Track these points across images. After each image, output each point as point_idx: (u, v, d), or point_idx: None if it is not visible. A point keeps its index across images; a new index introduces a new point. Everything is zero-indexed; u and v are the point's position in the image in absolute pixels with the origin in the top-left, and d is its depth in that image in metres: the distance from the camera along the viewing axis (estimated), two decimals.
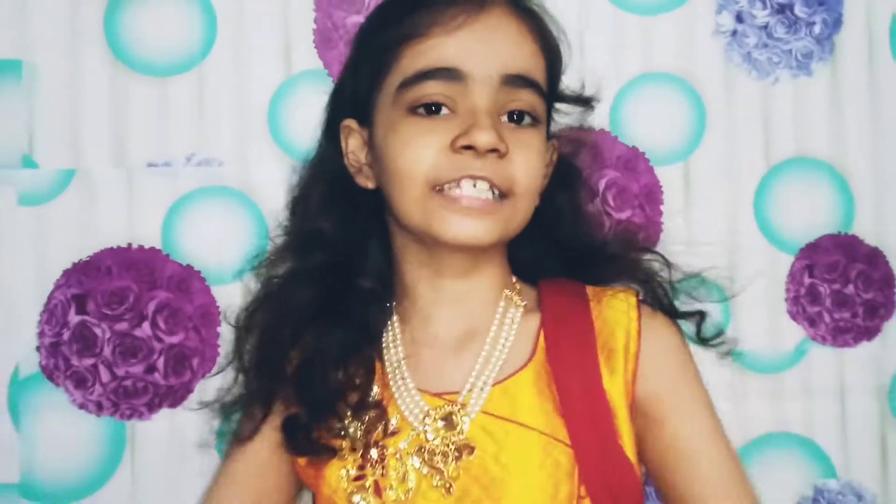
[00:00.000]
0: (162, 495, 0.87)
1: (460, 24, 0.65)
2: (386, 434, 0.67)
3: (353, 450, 0.67)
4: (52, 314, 0.87)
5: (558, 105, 0.76)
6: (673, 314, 0.73)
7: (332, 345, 0.70)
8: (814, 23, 0.94)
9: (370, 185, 0.71)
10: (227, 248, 0.89)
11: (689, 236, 0.91)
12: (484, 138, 0.63)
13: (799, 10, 0.94)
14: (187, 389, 0.87)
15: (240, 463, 0.74)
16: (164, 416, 0.87)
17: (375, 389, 0.70)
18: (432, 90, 0.65)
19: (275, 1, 0.90)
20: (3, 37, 0.88)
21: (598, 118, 0.91)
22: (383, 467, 0.66)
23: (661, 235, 0.91)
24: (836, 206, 0.93)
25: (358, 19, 0.91)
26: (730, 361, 0.89)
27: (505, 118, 0.66)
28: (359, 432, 0.68)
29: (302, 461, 0.71)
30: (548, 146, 0.72)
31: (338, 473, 0.67)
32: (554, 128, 0.76)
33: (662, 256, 0.76)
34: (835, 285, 0.92)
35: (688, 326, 0.74)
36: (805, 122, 0.93)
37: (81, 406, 0.87)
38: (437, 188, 0.65)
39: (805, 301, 0.92)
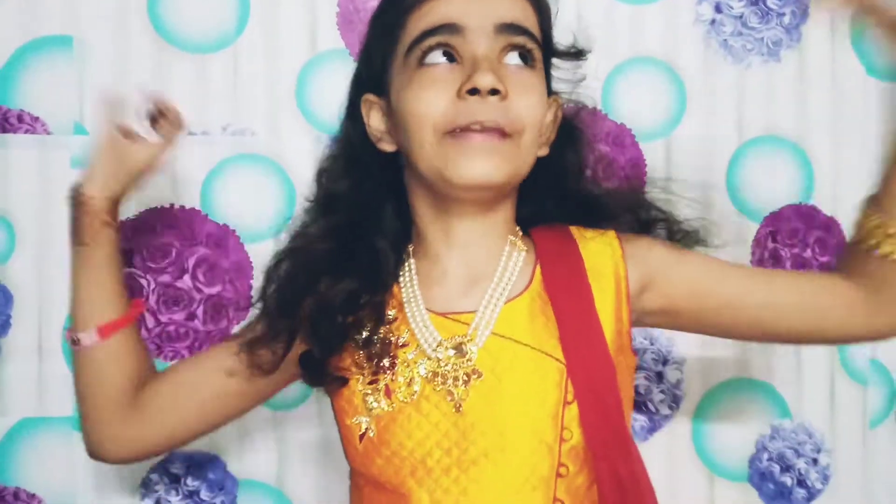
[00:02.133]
0: None
1: None
2: (397, 346, 0.73)
3: (369, 358, 0.74)
4: None
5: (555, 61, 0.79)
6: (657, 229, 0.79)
7: (340, 292, 0.75)
8: (784, 13, 1.01)
9: (391, 147, 0.76)
10: (259, 210, 0.96)
11: (668, 203, 0.99)
12: (484, 80, 0.68)
13: (771, 1, 1.01)
14: (224, 335, 0.95)
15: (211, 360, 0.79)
16: None
17: (392, 313, 0.76)
18: (435, 41, 0.70)
19: None
20: (56, 14, 0.94)
21: (590, 97, 0.99)
22: (393, 374, 0.72)
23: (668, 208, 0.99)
24: (799, 179, 1.01)
25: (377, 3, 0.97)
26: None
27: (506, 60, 0.71)
28: (370, 343, 0.74)
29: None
30: (550, 102, 0.76)
31: (354, 378, 0.74)
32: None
33: (658, 208, 0.81)
34: (794, 250, 1.00)
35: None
36: (773, 103, 1.01)
37: None
38: (449, 132, 0.70)
39: (768, 263, 1.00)
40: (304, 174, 0.91)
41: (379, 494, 0.73)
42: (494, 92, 0.69)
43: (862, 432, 1.00)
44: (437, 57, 0.70)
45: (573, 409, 0.71)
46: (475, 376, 0.72)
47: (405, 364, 0.73)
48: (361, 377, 0.74)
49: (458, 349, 0.73)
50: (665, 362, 0.99)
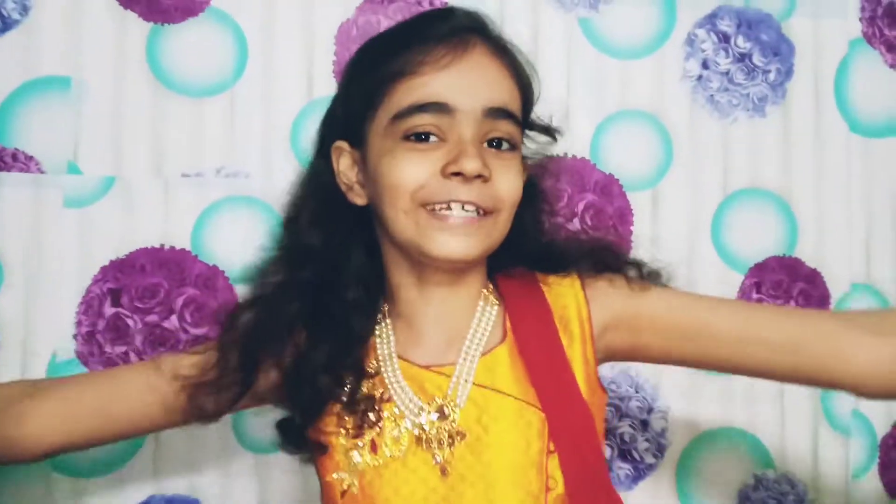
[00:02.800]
0: (181, 471, 0.94)
1: (447, 64, 0.71)
2: (382, 400, 0.72)
3: (355, 415, 0.72)
4: (89, 306, 0.94)
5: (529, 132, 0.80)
6: (618, 270, 0.77)
7: (319, 353, 0.74)
8: (769, 71, 1.04)
9: (361, 201, 0.76)
10: (250, 252, 0.95)
11: (654, 253, 0.99)
12: (471, 165, 0.69)
13: (756, 59, 1.04)
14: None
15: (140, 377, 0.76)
16: None
17: (373, 366, 0.74)
18: (424, 121, 0.70)
19: (300, 35, 0.98)
20: (55, 54, 0.95)
21: (580, 148, 1.01)
22: (380, 428, 0.71)
23: (631, 252, 1.00)
24: (782, 231, 1.02)
25: None
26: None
27: (485, 145, 0.72)
28: (357, 398, 0.72)
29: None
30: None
31: (337, 432, 0.72)
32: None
33: (610, 246, 0.81)
34: (779, 301, 1.01)
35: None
36: (758, 157, 1.03)
37: None
38: (427, 206, 0.70)
39: None
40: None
41: None
42: (479, 176, 0.70)
43: (845, 483, 0.99)
44: (420, 136, 0.70)
45: (555, 459, 0.71)
46: (459, 438, 0.71)
47: (391, 419, 0.72)
48: (344, 432, 0.72)
49: (441, 412, 0.72)
50: (650, 411, 0.99)
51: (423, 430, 0.72)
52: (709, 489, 0.98)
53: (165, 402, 0.74)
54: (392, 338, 0.75)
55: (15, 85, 0.95)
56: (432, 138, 0.71)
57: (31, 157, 0.94)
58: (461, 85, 0.71)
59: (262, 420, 0.94)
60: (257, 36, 0.98)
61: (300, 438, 0.74)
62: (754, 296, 1.01)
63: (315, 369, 0.73)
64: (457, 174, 0.69)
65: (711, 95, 1.03)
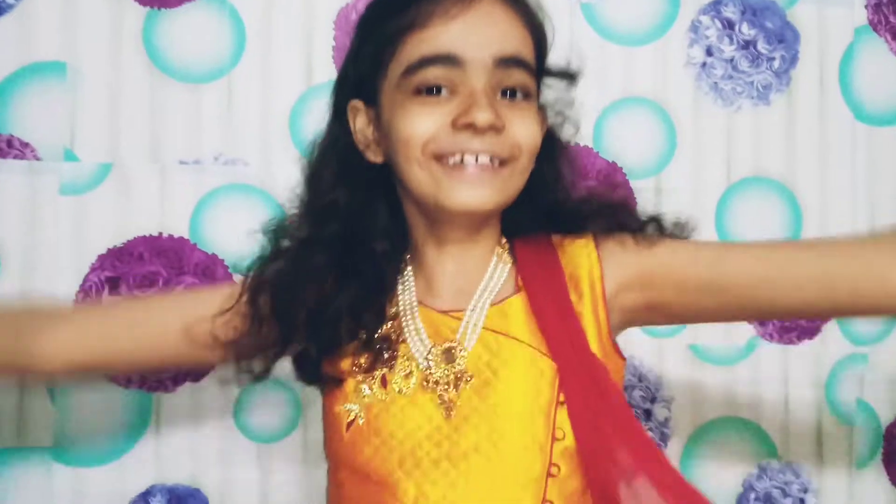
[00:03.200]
0: (182, 460, 0.92)
1: (456, 14, 0.70)
2: (398, 341, 0.72)
3: (368, 350, 0.73)
4: (86, 294, 0.93)
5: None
6: (636, 228, 0.76)
7: (345, 297, 0.74)
8: (773, 58, 1.02)
9: (378, 159, 0.75)
10: (249, 240, 0.94)
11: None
12: (483, 116, 0.68)
13: (761, 46, 1.02)
14: (210, 366, 0.93)
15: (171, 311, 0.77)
16: (187, 390, 0.93)
17: (394, 310, 0.75)
18: (434, 74, 0.69)
19: (299, 20, 0.97)
20: (50, 40, 0.93)
21: (583, 135, 0.99)
22: (392, 366, 0.72)
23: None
24: (787, 218, 1.01)
25: None
26: (689, 354, 0.98)
27: (499, 95, 0.70)
28: (375, 338, 0.73)
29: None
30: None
31: (350, 363, 0.72)
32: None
33: (626, 204, 0.79)
34: None
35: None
36: (762, 145, 1.01)
37: (111, 379, 0.92)
38: (439, 157, 0.70)
39: None
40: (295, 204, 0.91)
41: (362, 487, 0.71)
42: (492, 127, 0.69)
43: (848, 472, 0.99)
44: (431, 89, 0.69)
45: (564, 411, 0.70)
46: (465, 380, 0.71)
47: (404, 357, 0.72)
48: (356, 368, 0.72)
49: (448, 354, 0.72)
50: (654, 400, 0.98)
51: (430, 370, 0.71)
52: (713, 478, 0.97)
53: (194, 336, 0.75)
54: (413, 286, 0.76)
55: (9, 70, 0.93)
56: (443, 91, 0.70)
57: (26, 144, 0.93)
58: (470, 35, 0.70)
59: (264, 409, 0.94)
60: (255, 20, 0.96)
61: (315, 371, 0.73)
62: None
63: (339, 311, 0.73)
64: (468, 126, 0.68)
65: (715, 83, 1.01)
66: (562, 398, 0.70)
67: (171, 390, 0.93)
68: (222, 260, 0.95)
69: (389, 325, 0.74)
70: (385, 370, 0.72)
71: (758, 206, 1.01)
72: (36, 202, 0.92)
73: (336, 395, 0.73)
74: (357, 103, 0.76)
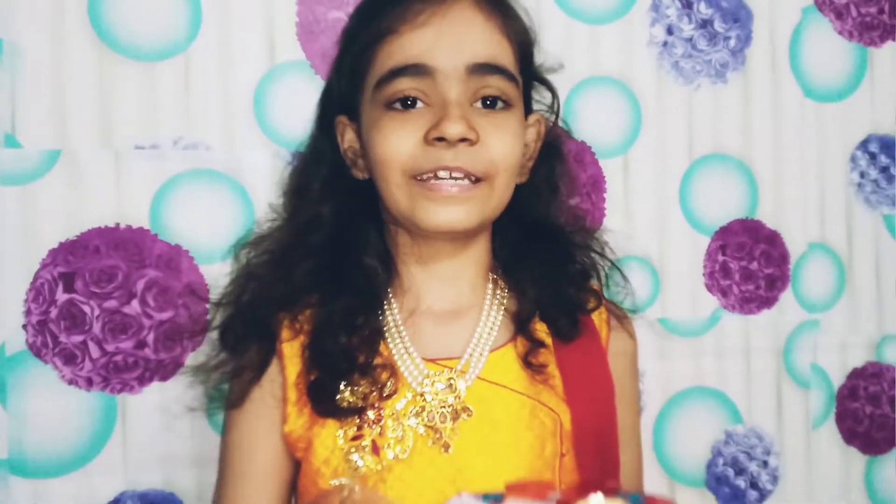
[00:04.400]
0: (153, 466, 0.87)
1: (426, 20, 0.66)
2: (382, 397, 0.68)
3: (366, 377, 0.69)
4: (38, 292, 0.85)
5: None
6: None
7: (338, 311, 0.71)
8: (729, 37, 1.05)
9: (364, 175, 0.72)
10: (214, 229, 0.89)
11: (626, 219, 1.00)
12: (453, 129, 0.64)
13: (718, 25, 1.04)
14: (177, 364, 0.88)
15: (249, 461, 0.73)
16: (155, 390, 0.87)
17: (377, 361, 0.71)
18: (404, 86, 0.66)
19: None
20: None
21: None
22: (381, 427, 0.67)
23: (604, 219, 1.00)
24: (745, 195, 1.05)
25: (338, 14, 0.92)
26: (657, 327, 1.00)
27: (479, 104, 0.67)
28: (356, 396, 0.69)
29: (294, 430, 0.70)
30: (532, 122, 0.74)
31: (334, 435, 0.68)
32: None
33: (603, 254, 0.81)
34: (742, 262, 1.04)
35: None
36: (720, 123, 1.04)
37: (71, 382, 0.85)
38: (417, 177, 0.67)
39: (719, 275, 1.03)
40: (263, 190, 0.87)
41: None
42: (464, 140, 0.65)
43: (806, 433, 1.04)
44: (405, 101, 0.66)
45: (567, 462, 0.70)
46: (465, 414, 0.68)
47: (394, 417, 0.68)
48: (343, 431, 0.68)
49: (448, 384, 0.69)
50: None
51: (426, 399, 0.68)
52: (684, 447, 1.01)
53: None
54: (399, 316, 0.72)
55: None
56: (418, 104, 0.67)
57: None
58: (441, 42, 0.66)
59: None
60: None
61: (332, 401, 0.69)
62: (720, 258, 1.04)
63: (334, 325, 0.70)
64: (440, 139, 0.65)
65: (676, 62, 1.03)
66: (565, 449, 0.70)
67: (138, 391, 0.87)
68: (187, 251, 0.89)
69: (372, 376, 0.70)
70: (374, 434, 0.68)
71: (718, 181, 1.04)
72: None
73: (322, 471, 0.68)
74: (343, 119, 0.73)
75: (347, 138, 0.73)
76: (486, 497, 0.52)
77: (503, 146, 0.68)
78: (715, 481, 1.02)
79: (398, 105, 0.67)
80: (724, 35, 1.04)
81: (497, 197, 0.69)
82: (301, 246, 0.74)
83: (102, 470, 0.85)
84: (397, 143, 0.67)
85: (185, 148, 0.89)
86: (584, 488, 0.58)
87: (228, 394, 0.75)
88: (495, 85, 0.67)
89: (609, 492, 0.53)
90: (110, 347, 0.86)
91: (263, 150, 0.90)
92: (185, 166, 0.89)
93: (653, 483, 0.99)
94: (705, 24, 1.04)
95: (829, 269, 1.07)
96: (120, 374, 0.87)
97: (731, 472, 1.02)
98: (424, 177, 0.67)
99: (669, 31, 1.03)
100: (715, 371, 1.02)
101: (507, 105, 0.69)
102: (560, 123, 0.79)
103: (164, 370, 0.88)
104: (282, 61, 0.91)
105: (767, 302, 1.04)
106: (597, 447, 0.71)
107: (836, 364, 1.06)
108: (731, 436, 1.03)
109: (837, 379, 1.06)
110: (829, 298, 1.06)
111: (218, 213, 0.90)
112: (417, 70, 0.66)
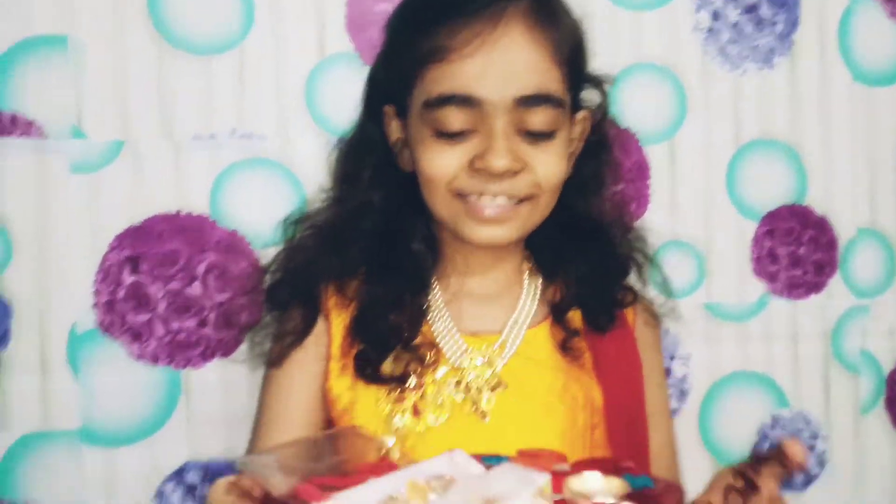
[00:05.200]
0: (214, 438, 0.91)
1: (475, 50, 0.67)
2: (423, 367, 0.73)
3: (409, 351, 0.73)
4: (106, 274, 0.90)
5: None
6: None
7: (387, 291, 0.75)
8: (776, 22, 1.04)
9: (410, 169, 0.75)
10: (268, 215, 0.92)
11: (671, 205, 1.01)
12: (499, 163, 0.67)
13: (764, 10, 1.04)
14: (237, 341, 0.91)
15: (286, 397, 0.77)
16: (217, 366, 0.91)
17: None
18: (452, 117, 0.68)
19: None
20: (48, 12, 0.88)
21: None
22: (422, 393, 0.72)
23: (648, 206, 1.00)
24: (792, 180, 1.04)
25: (386, 6, 0.94)
26: (705, 313, 1.00)
27: (524, 133, 0.69)
28: (399, 366, 0.73)
29: (335, 387, 0.74)
30: (580, 119, 0.76)
31: (376, 396, 0.72)
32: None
33: (643, 249, 0.84)
34: (790, 248, 1.03)
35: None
36: (767, 108, 1.03)
37: (139, 357, 0.90)
38: (459, 195, 0.71)
39: (766, 261, 1.03)
40: (315, 177, 0.90)
41: None
42: (508, 171, 0.68)
43: (854, 418, 1.03)
44: (453, 128, 0.69)
45: (598, 436, 0.74)
46: (501, 387, 0.72)
47: (434, 384, 0.72)
48: (385, 396, 0.72)
49: (487, 359, 0.73)
50: (672, 358, 1.00)
51: (465, 373, 0.72)
52: (730, 430, 1.01)
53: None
54: (440, 296, 0.76)
55: (7, 45, 0.88)
56: (464, 129, 0.69)
57: (31, 123, 0.89)
58: (490, 74, 0.67)
59: None
60: None
61: (375, 371, 0.73)
62: (767, 244, 1.03)
63: (382, 303, 0.74)
64: (484, 170, 0.68)
65: (722, 47, 1.03)
66: (596, 420, 0.73)
67: (201, 366, 0.91)
68: (243, 237, 0.93)
69: (419, 350, 0.73)
70: (416, 398, 0.72)
71: (765, 167, 1.03)
72: (46, 183, 0.88)
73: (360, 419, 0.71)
74: (390, 110, 0.75)
75: (393, 129, 0.76)
76: (485, 458, 0.54)
77: (548, 169, 0.71)
78: None
79: (444, 131, 0.69)
80: (771, 20, 1.04)
81: (540, 213, 0.73)
82: (352, 229, 0.77)
83: (168, 440, 0.90)
84: (443, 167, 0.70)
85: (241, 137, 0.93)
86: (599, 465, 0.61)
87: (269, 354, 0.78)
88: (541, 117, 0.69)
89: (621, 470, 0.56)
90: (174, 326, 0.91)
91: (315, 139, 0.93)
92: (240, 155, 0.92)
93: (698, 466, 0.99)
94: (751, 9, 1.03)
95: (879, 255, 1.05)
96: (184, 352, 0.91)
97: None
98: (469, 198, 0.70)
99: (715, 16, 1.03)
100: (762, 356, 1.01)
101: (552, 134, 0.70)
102: (607, 120, 0.81)
103: (225, 347, 0.92)
104: (332, 53, 0.94)
105: (816, 287, 1.04)
106: (627, 423, 0.74)
107: (886, 349, 1.04)
108: (777, 419, 1.02)
109: (887, 364, 1.05)
110: (879, 284, 1.05)
111: (272, 200, 0.93)
112: (466, 101, 0.68)
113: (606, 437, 0.74)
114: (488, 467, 0.53)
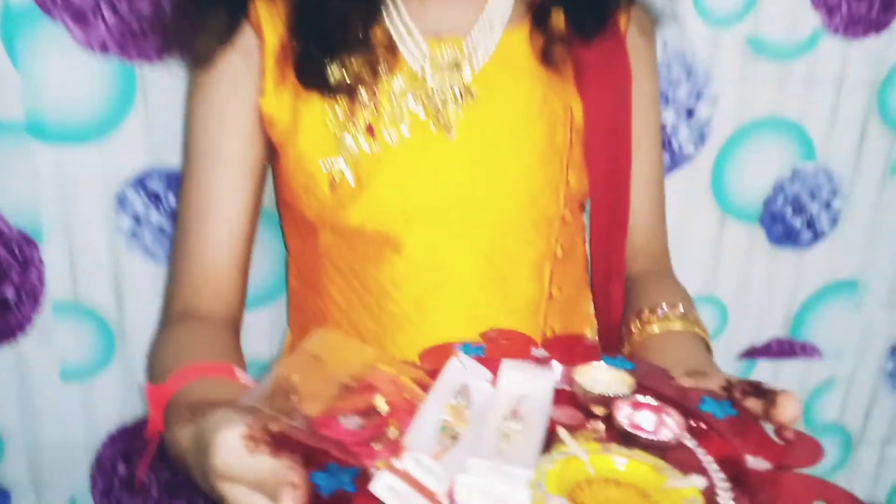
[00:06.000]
0: (177, 144, 0.81)
1: None
2: (376, 76, 0.62)
3: (363, 54, 0.61)
4: None
5: None
6: None
7: None
8: None
9: None
10: None
11: None
12: None
13: None
14: None
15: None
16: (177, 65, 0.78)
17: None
18: None
19: None
20: None
21: None
22: (376, 108, 0.62)
23: None
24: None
25: None
26: (746, 49, 0.87)
27: None
28: (347, 74, 0.61)
29: (273, 109, 0.64)
30: None
31: (322, 113, 0.62)
32: None
33: None
34: None
35: None
36: None
37: (85, 44, 0.77)
38: None
39: None
40: None
41: (356, 248, 0.64)
42: None
43: (882, 178, 0.95)
44: None
45: (576, 156, 0.65)
46: (469, 97, 0.62)
47: (390, 98, 0.61)
48: (332, 111, 0.62)
49: (453, 64, 0.62)
50: (699, 97, 0.89)
51: (426, 82, 0.61)
52: (745, 179, 0.92)
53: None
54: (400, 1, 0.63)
55: None
56: None
57: None
58: None
59: None
60: None
61: (320, 73, 0.62)
62: None
63: None
64: None
65: None
66: (575, 139, 0.65)
67: (157, 61, 0.79)
68: None
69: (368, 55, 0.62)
70: (370, 117, 0.61)
71: None
72: None
73: (310, 152, 0.62)
74: None
75: None
76: (465, 347, 0.50)
77: None
78: (770, 218, 0.95)
79: None
80: None
81: None
82: None
83: (125, 142, 0.80)
84: None
85: None
86: (570, 342, 0.59)
87: (192, 51, 0.66)
88: None
89: (591, 350, 0.52)
90: (123, 9, 0.76)
91: None
92: None
93: (703, 213, 0.93)
94: None
95: None
96: (137, 42, 0.78)
97: (789, 210, 0.95)
98: None
99: None
100: (798, 101, 0.90)
101: None
102: None
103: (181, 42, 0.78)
104: None
105: (877, 26, 0.89)
106: (608, 143, 0.66)
107: None
108: (797, 173, 0.94)
109: None
110: None
111: None
112: None
113: (584, 157, 0.66)
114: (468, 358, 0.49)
